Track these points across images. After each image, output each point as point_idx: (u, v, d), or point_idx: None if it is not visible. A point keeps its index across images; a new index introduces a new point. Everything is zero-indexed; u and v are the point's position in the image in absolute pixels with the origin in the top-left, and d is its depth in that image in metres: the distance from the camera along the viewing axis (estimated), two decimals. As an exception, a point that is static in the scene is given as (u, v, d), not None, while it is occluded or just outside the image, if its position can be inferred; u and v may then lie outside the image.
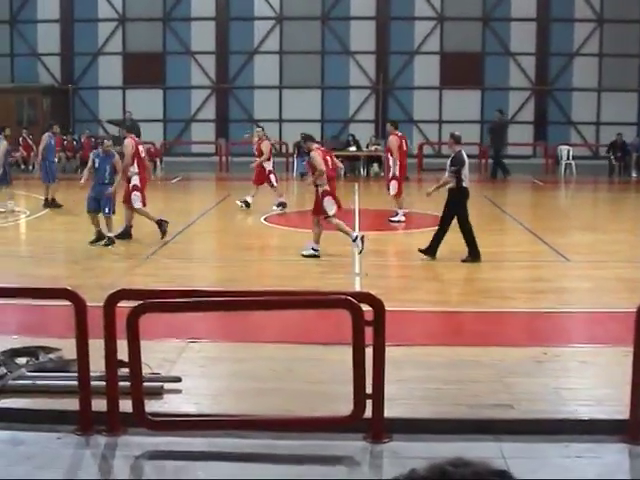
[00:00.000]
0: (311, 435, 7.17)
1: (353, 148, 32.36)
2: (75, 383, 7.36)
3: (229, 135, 37.74)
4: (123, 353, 7.06)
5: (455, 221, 15.16)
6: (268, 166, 22.18)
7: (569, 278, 14.10)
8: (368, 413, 7.07)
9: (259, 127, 23.61)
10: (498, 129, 31.64)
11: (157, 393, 7.72)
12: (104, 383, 7.20)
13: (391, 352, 7.29)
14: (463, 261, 14.91)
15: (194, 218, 20.69)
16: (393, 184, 20.35)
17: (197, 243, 18.18)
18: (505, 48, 36.69)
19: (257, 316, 10.46)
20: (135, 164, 17.46)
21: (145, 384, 7.21)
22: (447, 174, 15.38)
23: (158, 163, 34.17)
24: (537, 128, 37.07)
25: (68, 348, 8.25)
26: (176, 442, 7.07)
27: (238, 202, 21.86)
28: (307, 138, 16.87)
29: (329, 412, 7.42)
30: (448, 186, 15.39)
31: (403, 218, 20.04)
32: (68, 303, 7.36)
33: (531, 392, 7.99)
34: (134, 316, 6.82)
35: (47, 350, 8.72)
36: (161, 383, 7.87)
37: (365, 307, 7.10)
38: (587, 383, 8.45)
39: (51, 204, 22.26)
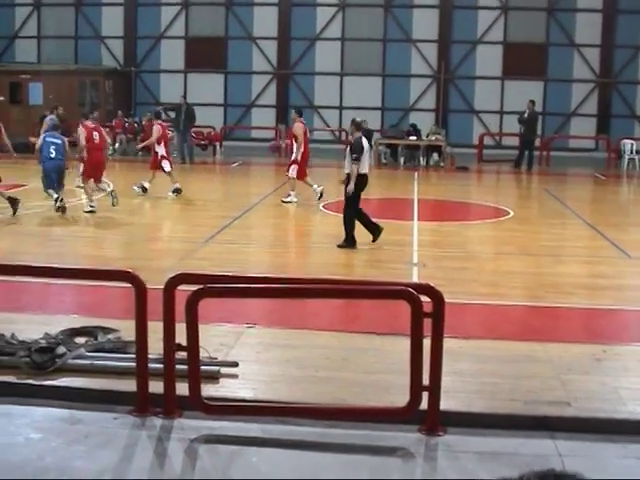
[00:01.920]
0: (365, 425, 7.16)
1: (413, 137, 32.20)
2: (133, 364, 7.42)
3: (289, 121, 37.78)
4: (180, 336, 7.10)
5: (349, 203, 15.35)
6: (160, 150, 22.04)
7: (630, 275, 13.88)
8: (423, 405, 7.03)
9: (149, 112, 23.93)
10: (530, 120, 31.19)
11: (214, 377, 7.76)
12: (161, 365, 7.25)
13: (446, 344, 7.24)
14: (339, 246, 15.16)
15: (252, 203, 20.75)
16: (293, 167, 21.07)
17: (255, 229, 18.24)
18: (570, 39, 36.26)
19: (313, 303, 10.49)
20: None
21: (202, 368, 7.24)
22: (348, 162, 15.34)
23: (218, 147, 34.34)
24: (600, 121, 36.61)
25: (126, 329, 8.33)
26: (231, 427, 7.10)
27: (135, 187, 21.89)
28: (83, 115, 20.95)
29: (383, 402, 7.40)
30: (346, 171, 15.39)
31: (295, 199, 20.69)
32: (127, 285, 7.42)
33: (589, 390, 7.88)
34: (194, 300, 6.85)
35: (106, 331, 8.81)
36: (218, 367, 7.91)
37: (422, 298, 7.05)
38: (647, 383, 8.31)
39: None
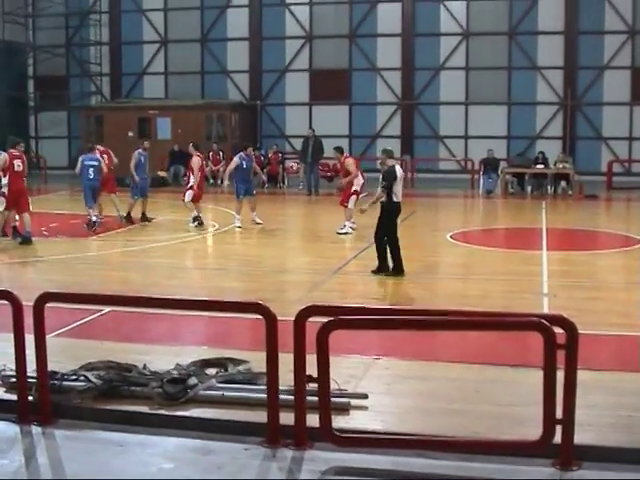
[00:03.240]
0: (498, 459, 7.03)
1: (540, 165, 31.80)
2: (263, 396, 7.45)
3: (414, 151, 37.78)
4: (310, 368, 7.11)
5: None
6: (191, 180, 22.54)
7: None
8: (556, 438, 6.88)
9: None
10: None
11: (344, 409, 7.74)
12: (292, 397, 7.26)
13: (580, 376, 7.06)
14: (373, 272, 15.42)
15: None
16: (353, 198, 21.40)
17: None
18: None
19: (442, 335, 10.39)
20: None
21: (332, 400, 7.23)
22: (379, 188, 15.59)
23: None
24: None
25: (256, 361, 8.39)
26: (362, 459, 7.06)
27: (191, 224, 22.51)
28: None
29: (516, 435, 7.26)
30: (380, 200, 15.58)
31: (351, 230, 21.12)
32: (255, 316, 7.46)
33: None
34: (325, 332, 6.85)
35: (236, 362, 8.87)
36: (348, 399, 7.89)
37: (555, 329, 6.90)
38: None
39: (141, 219, 22.90)
